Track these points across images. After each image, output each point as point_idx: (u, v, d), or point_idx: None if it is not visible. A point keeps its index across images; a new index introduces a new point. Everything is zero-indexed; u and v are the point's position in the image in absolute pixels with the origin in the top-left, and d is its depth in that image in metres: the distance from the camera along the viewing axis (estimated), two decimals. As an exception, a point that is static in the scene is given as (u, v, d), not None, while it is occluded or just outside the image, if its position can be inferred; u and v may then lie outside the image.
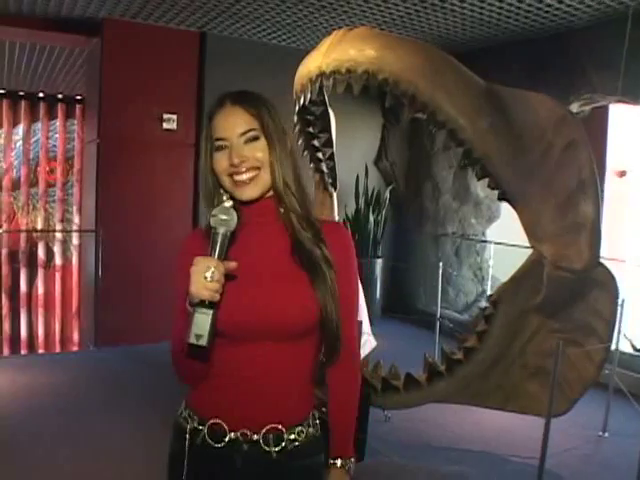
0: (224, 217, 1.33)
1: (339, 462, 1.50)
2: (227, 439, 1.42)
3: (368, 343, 5.00)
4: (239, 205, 1.44)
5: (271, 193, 1.46)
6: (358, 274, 1.55)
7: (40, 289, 9.57)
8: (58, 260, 9.62)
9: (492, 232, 6.85)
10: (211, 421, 1.44)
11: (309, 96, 3.70)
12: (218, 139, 1.42)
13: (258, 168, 1.42)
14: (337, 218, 4.79)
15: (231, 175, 1.42)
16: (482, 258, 6.93)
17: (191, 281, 1.27)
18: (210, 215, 1.34)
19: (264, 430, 1.42)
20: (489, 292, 5.77)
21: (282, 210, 1.45)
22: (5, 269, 9.37)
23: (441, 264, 5.90)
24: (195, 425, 1.46)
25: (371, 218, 7.27)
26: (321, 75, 3.52)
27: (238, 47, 6.36)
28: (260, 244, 1.45)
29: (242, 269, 1.36)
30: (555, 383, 2.98)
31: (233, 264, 1.32)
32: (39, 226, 9.71)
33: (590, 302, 3.24)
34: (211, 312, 1.27)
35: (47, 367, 5.43)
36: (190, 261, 1.30)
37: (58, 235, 9.63)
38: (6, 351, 9.12)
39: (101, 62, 5.91)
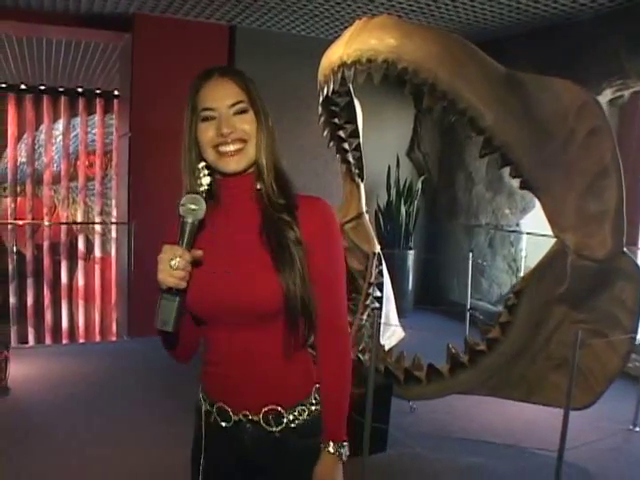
0: (192, 206, 1.35)
1: (331, 446, 1.48)
2: (232, 420, 1.47)
3: (395, 334, 5.02)
4: (219, 179, 1.46)
5: (252, 169, 1.46)
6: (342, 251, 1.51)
7: (80, 281, 9.80)
8: (97, 252, 9.83)
9: (526, 223, 6.75)
10: (217, 404, 1.49)
11: (332, 86, 3.69)
12: (206, 109, 1.41)
13: (245, 141, 1.42)
14: (365, 208, 4.78)
15: (216, 146, 1.41)
16: (516, 249, 6.83)
17: (158, 268, 1.31)
18: (179, 204, 1.35)
19: (263, 412, 1.45)
20: (520, 283, 5.69)
21: (259, 187, 1.46)
22: (47, 261, 9.63)
23: (471, 255, 5.84)
24: (207, 407, 1.52)
25: (403, 209, 7.22)
26: (343, 65, 3.52)
27: (267, 39, 6.39)
28: (233, 223, 1.46)
29: (214, 250, 1.40)
30: (574, 374, 2.92)
31: (199, 253, 1.35)
32: (79, 219, 9.93)
33: (615, 292, 3.17)
34: (177, 299, 1.32)
35: (84, 356, 5.59)
36: (169, 242, 1.34)
37: (97, 228, 9.83)
38: (48, 340, 9.38)
39: (132, 57, 6.00)
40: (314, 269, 1.43)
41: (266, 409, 1.45)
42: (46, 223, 9.65)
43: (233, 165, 1.43)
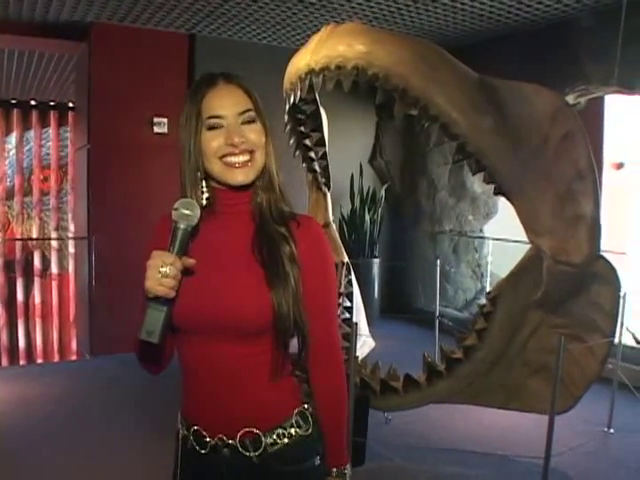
0: (186, 212, 1.28)
1: (334, 472, 1.45)
2: (208, 446, 1.39)
3: (366, 344, 4.97)
4: (218, 192, 1.38)
5: (257, 180, 1.39)
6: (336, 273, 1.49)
7: (37, 298, 9.51)
8: (54, 269, 9.56)
9: (490, 228, 6.79)
10: (194, 427, 1.41)
11: (299, 94, 3.63)
12: (212, 117, 1.33)
13: (252, 151, 1.35)
14: (331, 218, 4.73)
15: (223, 157, 1.34)
16: (480, 255, 6.87)
17: (146, 275, 1.22)
18: (172, 208, 1.28)
19: (240, 434, 1.37)
20: (488, 289, 5.70)
21: (259, 200, 1.39)
22: (1, 278, 9.32)
23: (439, 262, 5.82)
24: (184, 432, 1.43)
25: (367, 217, 7.20)
26: (310, 72, 3.46)
27: (227, 48, 6.29)
28: (227, 236, 1.39)
29: (204, 261, 1.32)
30: (557, 380, 2.90)
31: (191, 261, 1.27)
32: (34, 235, 9.65)
33: (592, 296, 3.17)
34: (165, 309, 1.24)
35: (44, 377, 5.37)
36: (158, 247, 1.26)
37: (54, 243, 9.57)
38: (4, 362, 9.06)
39: (89, 67, 5.83)
40: (308, 289, 1.37)
41: (242, 432, 1.37)
42: (-1, 240, 9.36)
43: (241, 177, 1.35)
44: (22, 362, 9.13)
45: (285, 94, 3.81)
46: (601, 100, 5.55)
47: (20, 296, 9.43)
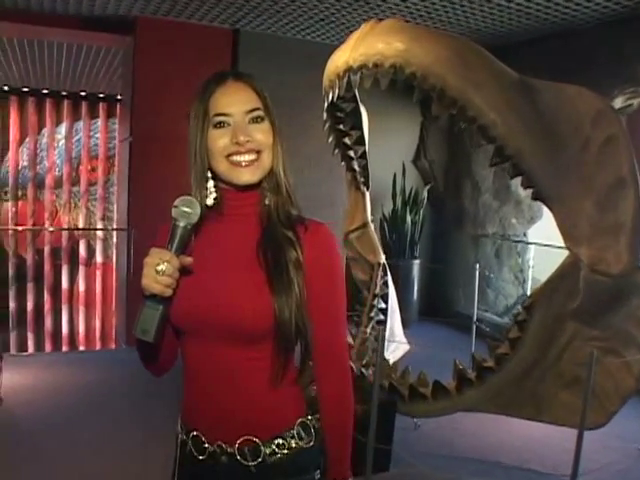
0: (186, 210, 1.25)
1: None
2: (207, 452, 1.36)
3: (400, 348, 4.90)
4: (225, 192, 1.35)
5: (264, 181, 1.36)
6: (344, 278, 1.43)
7: (81, 286, 9.69)
8: (99, 258, 9.73)
9: (534, 233, 6.63)
10: (193, 433, 1.38)
11: (337, 92, 3.59)
12: (219, 114, 1.30)
13: (259, 151, 1.32)
14: (370, 218, 4.67)
15: (229, 156, 1.31)
16: (523, 260, 6.72)
17: (143, 273, 1.20)
18: (172, 205, 1.26)
19: (238, 442, 1.33)
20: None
21: (267, 202, 1.35)
22: (47, 266, 9.53)
23: (478, 265, 5.71)
24: (183, 436, 1.41)
25: (408, 218, 7.11)
26: (349, 70, 3.41)
27: (271, 43, 6.30)
28: (233, 237, 1.36)
29: (206, 261, 1.30)
30: (588, 394, 2.79)
31: (189, 259, 1.25)
32: (80, 224, 9.83)
33: (630, 309, 3.04)
34: (161, 307, 1.21)
35: (81, 364, 5.49)
36: (159, 246, 1.24)
37: (99, 233, 9.74)
38: (48, 347, 9.27)
39: (134, 60, 5.91)
40: (315, 297, 1.33)
41: (241, 440, 1.33)
42: (48, 229, 9.55)
43: (247, 176, 1.32)
44: (65, 348, 9.31)
45: (324, 91, 3.77)
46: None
47: (65, 283, 9.62)
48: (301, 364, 1.38)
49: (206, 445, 1.35)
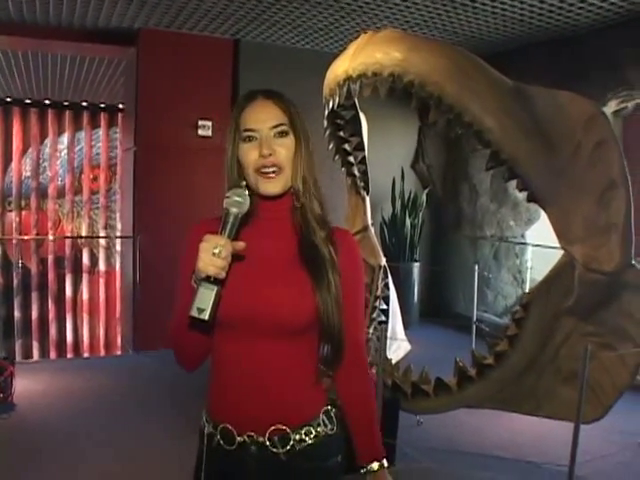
0: (238, 199, 1.36)
1: (376, 465, 1.52)
2: (236, 442, 1.44)
3: (401, 348, 5.00)
4: (257, 200, 1.45)
5: (290, 191, 1.47)
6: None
7: (85, 294, 9.79)
8: (102, 266, 9.82)
9: (531, 234, 6.74)
10: (221, 425, 1.46)
11: (337, 100, 3.71)
12: (248, 130, 1.42)
13: (283, 164, 1.43)
14: (370, 222, 4.78)
15: (258, 169, 1.42)
16: (521, 261, 6.82)
17: (199, 257, 1.29)
18: (225, 196, 1.36)
19: (269, 432, 1.42)
20: (526, 295, 5.66)
21: (301, 208, 1.46)
22: (51, 275, 9.63)
23: (477, 267, 5.82)
24: (210, 429, 1.48)
25: (408, 221, 7.21)
26: (348, 79, 3.53)
27: (271, 53, 6.41)
28: (269, 239, 1.46)
29: (247, 260, 1.39)
30: (584, 388, 2.90)
31: (242, 244, 1.34)
32: (83, 232, 9.93)
33: (623, 305, 3.15)
34: (215, 288, 1.29)
35: (88, 370, 5.57)
36: (198, 243, 1.32)
37: (102, 241, 9.84)
38: (53, 354, 9.36)
39: (137, 71, 6.03)
40: (344, 298, 1.45)
41: (272, 429, 1.42)
42: (50, 238, 9.65)
43: (272, 188, 1.43)
44: (69, 355, 9.40)
45: (324, 100, 3.88)
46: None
47: (69, 292, 9.72)
48: (333, 362, 1.48)
49: (236, 436, 1.44)
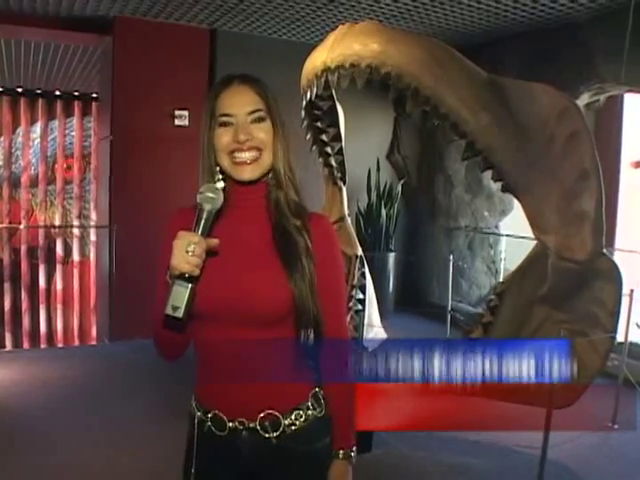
0: (211, 195, 1.36)
1: (341, 453, 1.52)
2: (228, 428, 1.46)
3: (378, 335, 5.05)
4: (232, 186, 1.46)
5: (265, 178, 1.47)
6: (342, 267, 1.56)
7: (59, 285, 9.69)
8: (76, 256, 9.74)
9: (505, 225, 6.84)
10: (212, 412, 1.48)
11: (315, 91, 3.72)
12: (224, 115, 1.42)
13: (260, 149, 1.43)
14: (347, 212, 4.81)
15: (231, 153, 1.42)
16: (495, 251, 6.92)
17: (173, 254, 1.31)
18: (198, 192, 1.37)
19: (259, 417, 1.45)
20: (500, 284, 5.76)
21: (275, 195, 1.46)
22: (24, 265, 9.52)
23: (452, 257, 5.90)
24: (201, 415, 1.50)
25: (383, 212, 7.27)
26: (326, 70, 3.55)
27: (248, 43, 6.40)
28: (244, 227, 1.47)
29: (223, 251, 1.39)
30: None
31: (215, 241, 1.36)
32: (57, 222, 9.83)
33: (595, 292, 3.23)
34: (189, 286, 1.31)
35: (63, 359, 5.57)
36: (176, 232, 1.33)
37: (75, 231, 9.75)
38: (26, 345, 9.27)
39: (113, 60, 5.98)
40: (321, 284, 1.45)
41: (263, 414, 1.45)
42: (23, 226, 9.54)
43: (247, 174, 1.44)
44: (43, 345, 9.32)
45: (302, 90, 3.90)
46: (620, 98, 5.57)
47: (42, 282, 9.62)
48: (315, 347, 1.48)
49: (226, 422, 1.46)
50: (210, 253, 1.36)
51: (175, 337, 1.44)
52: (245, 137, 1.41)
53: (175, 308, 1.30)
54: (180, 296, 1.30)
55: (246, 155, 1.42)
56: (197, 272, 1.32)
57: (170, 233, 1.38)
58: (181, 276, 1.31)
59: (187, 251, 1.30)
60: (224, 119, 1.43)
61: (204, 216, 1.35)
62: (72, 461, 3.47)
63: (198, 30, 6.24)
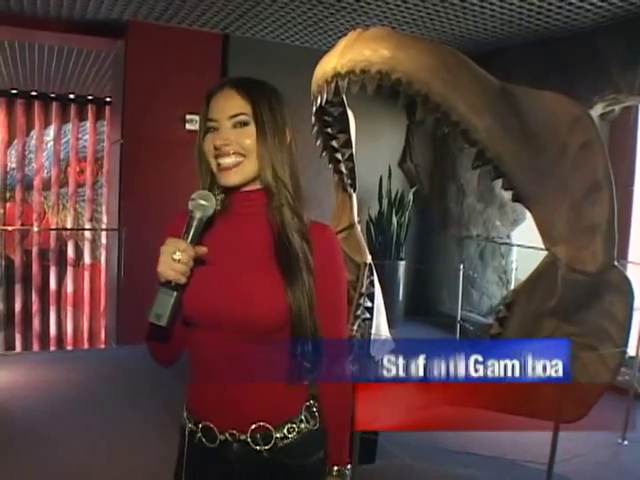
0: (202, 202, 1.33)
1: (335, 470, 1.49)
2: (218, 440, 1.42)
3: (386, 345, 5.01)
4: (232, 192, 1.42)
5: (261, 185, 1.42)
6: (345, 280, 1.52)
7: (69, 287, 9.72)
8: (87, 259, 9.77)
9: (517, 235, 6.77)
10: (203, 423, 1.44)
11: (325, 97, 3.70)
12: (209, 120, 1.39)
13: (243, 155, 1.38)
14: (357, 219, 4.78)
15: (216, 158, 1.39)
16: (507, 261, 6.85)
17: (159, 260, 1.27)
18: (189, 198, 1.33)
19: (251, 429, 1.40)
20: (510, 295, 5.69)
21: (277, 204, 1.41)
22: (35, 267, 9.56)
23: (462, 267, 5.84)
24: (192, 426, 1.46)
25: (394, 220, 7.22)
26: (336, 76, 3.52)
27: (260, 48, 6.40)
28: (241, 235, 1.43)
29: (217, 257, 1.36)
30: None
31: (203, 249, 1.32)
32: (68, 225, 9.86)
33: (605, 305, 3.17)
34: (174, 294, 1.27)
35: (72, 363, 5.54)
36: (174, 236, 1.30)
37: (87, 234, 9.78)
38: (36, 347, 9.30)
39: (125, 64, 6.00)
40: (321, 297, 1.40)
41: (254, 427, 1.40)
42: (35, 229, 9.58)
43: (230, 178, 1.39)
44: (52, 348, 9.34)
45: (312, 96, 3.88)
46: (635, 109, 5.51)
47: (53, 284, 9.66)
48: (312, 363, 1.43)
49: (217, 434, 1.42)
50: (199, 261, 1.32)
51: (162, 344, 1.41)
52: (221, 142, 1.36)
53: (158, 316, 1.26)
54: (165, 304, 1.27)
55: (228, 161, 1.38)
56: (183, 280, 1.28)
57: (166, 238, 1.35)
58: (167, 283, 1.27)
59: (173, 258, 1.26)
60: (209, 124, 1.40)
61: (194, 224, 1.32)
62: (72, 467, 3.45)
63: (210, 35, 6.24)
